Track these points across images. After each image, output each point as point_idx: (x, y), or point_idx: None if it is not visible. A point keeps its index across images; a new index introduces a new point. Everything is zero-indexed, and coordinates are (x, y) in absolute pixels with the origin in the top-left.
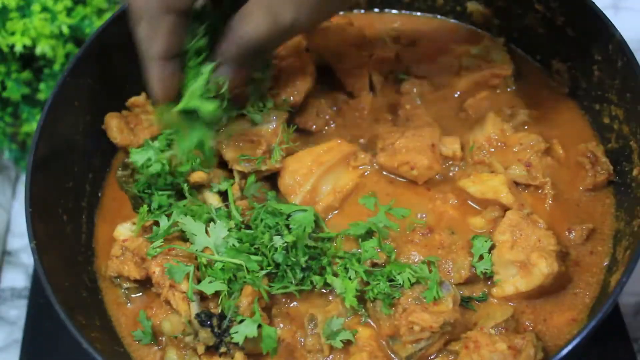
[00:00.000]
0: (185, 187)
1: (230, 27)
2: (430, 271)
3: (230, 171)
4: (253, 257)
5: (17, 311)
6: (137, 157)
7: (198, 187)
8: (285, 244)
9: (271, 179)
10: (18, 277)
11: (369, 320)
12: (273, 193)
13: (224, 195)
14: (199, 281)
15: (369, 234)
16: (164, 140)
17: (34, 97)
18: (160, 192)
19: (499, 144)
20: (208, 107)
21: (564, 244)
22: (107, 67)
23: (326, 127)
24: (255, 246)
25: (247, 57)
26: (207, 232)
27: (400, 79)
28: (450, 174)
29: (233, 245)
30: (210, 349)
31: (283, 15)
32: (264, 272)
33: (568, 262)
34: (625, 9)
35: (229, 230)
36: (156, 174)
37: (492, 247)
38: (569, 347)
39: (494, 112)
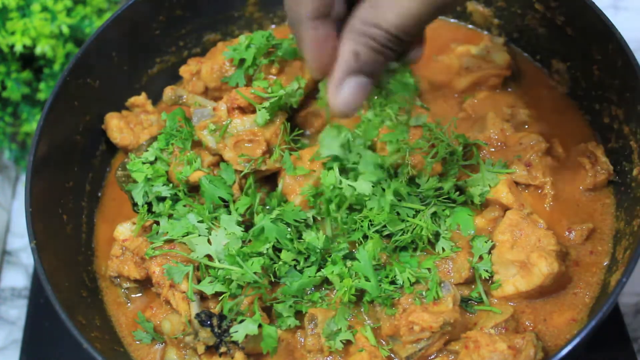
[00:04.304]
0: (183, 190)
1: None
2: (430, 271)
3: None
4: (255, 260)
5: (17, 311)
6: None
7: (198, 187)
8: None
9: (271, 179)
10: (18, 277)
11: (369, 321)
12: (272, 196)
13: None
14: (199, 281)
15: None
16: (164, 140)
17: (34, 97)
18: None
19: (499, 143)
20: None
21: (564, 244)
22: (107, 67)
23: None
24: (260, 251)
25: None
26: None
27: None
28: None
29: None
30: (210, 349)
31: None
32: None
33: (568, 262)
34: (625, 9)
35: (229, 234)
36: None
37: (492, 247)
38: (569, 347)
39: (494, 112)
